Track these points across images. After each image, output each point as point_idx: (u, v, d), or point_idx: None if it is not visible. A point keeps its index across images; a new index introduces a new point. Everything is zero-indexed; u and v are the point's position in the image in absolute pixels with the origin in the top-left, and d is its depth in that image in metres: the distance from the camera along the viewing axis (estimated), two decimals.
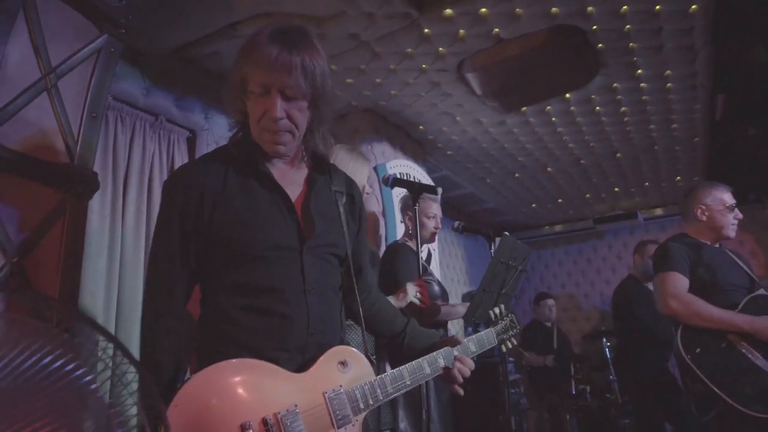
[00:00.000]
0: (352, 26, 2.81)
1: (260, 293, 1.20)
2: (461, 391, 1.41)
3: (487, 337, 1.59)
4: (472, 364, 1.42)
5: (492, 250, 2.64)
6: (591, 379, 4.97)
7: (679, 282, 2.34)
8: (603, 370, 4.87)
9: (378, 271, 2.54)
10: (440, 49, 3.07)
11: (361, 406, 1.21)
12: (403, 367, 1.32)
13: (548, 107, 3.87)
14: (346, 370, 1.23)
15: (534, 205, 6.28)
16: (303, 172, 1.36)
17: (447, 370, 1.40)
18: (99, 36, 1.89)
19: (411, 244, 2.81)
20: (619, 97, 3.71)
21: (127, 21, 1.92)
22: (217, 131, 3.14)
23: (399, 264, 2.64)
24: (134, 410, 0.72)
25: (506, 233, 2.31)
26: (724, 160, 4.95)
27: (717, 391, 2.08)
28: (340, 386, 1.20)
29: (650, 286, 3.50)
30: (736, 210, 2.52)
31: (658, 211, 6.49)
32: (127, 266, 2.54)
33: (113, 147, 2.57)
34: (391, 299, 2.23)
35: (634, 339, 3.70)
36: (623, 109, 3.90)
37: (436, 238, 3.06)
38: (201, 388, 1.05)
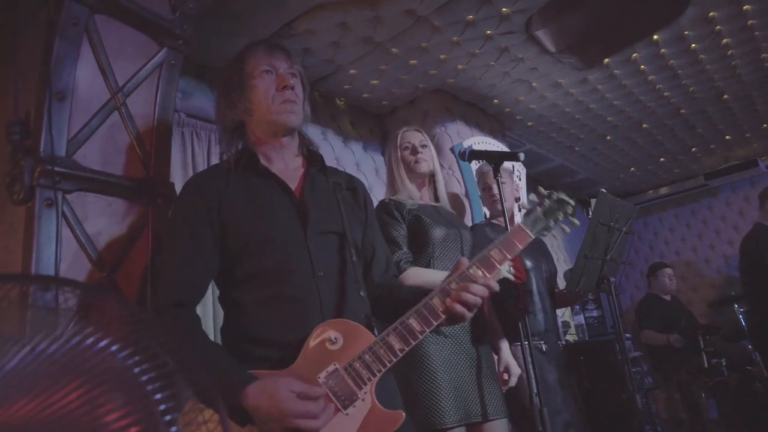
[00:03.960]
0: (406, 2, 2.69)
1: (270, 280, 1.21)
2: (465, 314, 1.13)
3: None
4: (479, 289, 1.16)
5: (589, 217, 2.40)
6: (725, 351, 4.45)
7: None
8: (738, 340, 4.34)
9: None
10: (503, 9, 2.86)
11: (367, 377, 1.09)
12: (408, 313, 1.13)
13: (634, 54, 3.49)
14: (336, 344, 1.12)
15: (633, 168, 5.77)
16: (300, 168, 1.41)
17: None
18: (159, 50, 1.93)
19: (495, 221, 2.65)
20: (718, 27, 3.26)
21: (183, 31, 1.95)
22: None
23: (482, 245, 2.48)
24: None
25: (603, 190, 2.07)
26: None
27: None
28: (335, 365, 1.10)
29: None
30: None
31: None
32: None
33: (192, 161, 2.66)
34: None
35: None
36: (725, 41, 3.42)
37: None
38: None
